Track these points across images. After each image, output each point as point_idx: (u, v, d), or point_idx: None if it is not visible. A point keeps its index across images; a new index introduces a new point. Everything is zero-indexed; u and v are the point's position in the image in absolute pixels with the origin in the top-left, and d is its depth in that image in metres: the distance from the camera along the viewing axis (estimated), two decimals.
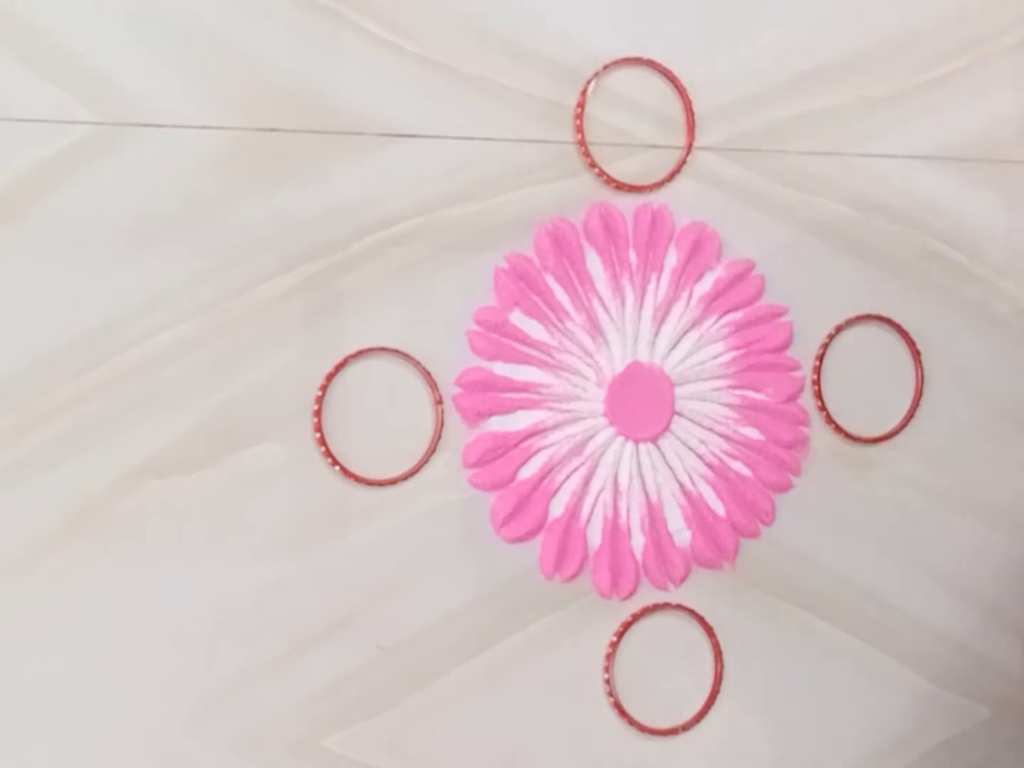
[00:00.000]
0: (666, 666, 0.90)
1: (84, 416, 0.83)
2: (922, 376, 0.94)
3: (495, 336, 0.89)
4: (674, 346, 0.91)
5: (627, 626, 0.89)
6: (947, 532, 0.94)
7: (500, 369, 0.89)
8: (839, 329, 0.93)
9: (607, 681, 0.89)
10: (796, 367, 0.93)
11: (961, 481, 0.94)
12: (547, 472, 0.89)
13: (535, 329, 0.89)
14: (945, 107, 0.95)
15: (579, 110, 0.90)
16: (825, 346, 0.93)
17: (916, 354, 0.94)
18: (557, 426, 0.89)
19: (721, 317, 0.92)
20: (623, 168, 0.91)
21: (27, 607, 0.82)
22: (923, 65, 0.95)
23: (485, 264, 0.89)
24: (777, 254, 0.93)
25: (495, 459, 0.88)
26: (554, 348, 0.89)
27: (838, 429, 0.92)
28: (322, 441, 0.86)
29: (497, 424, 0.89)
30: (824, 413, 0.92)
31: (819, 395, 0.93)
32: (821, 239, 0.93)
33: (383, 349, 0.87)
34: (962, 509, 0.94)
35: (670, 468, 0.91)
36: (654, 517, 0.90)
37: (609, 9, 0.91)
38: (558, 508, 0.89)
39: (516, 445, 0.89)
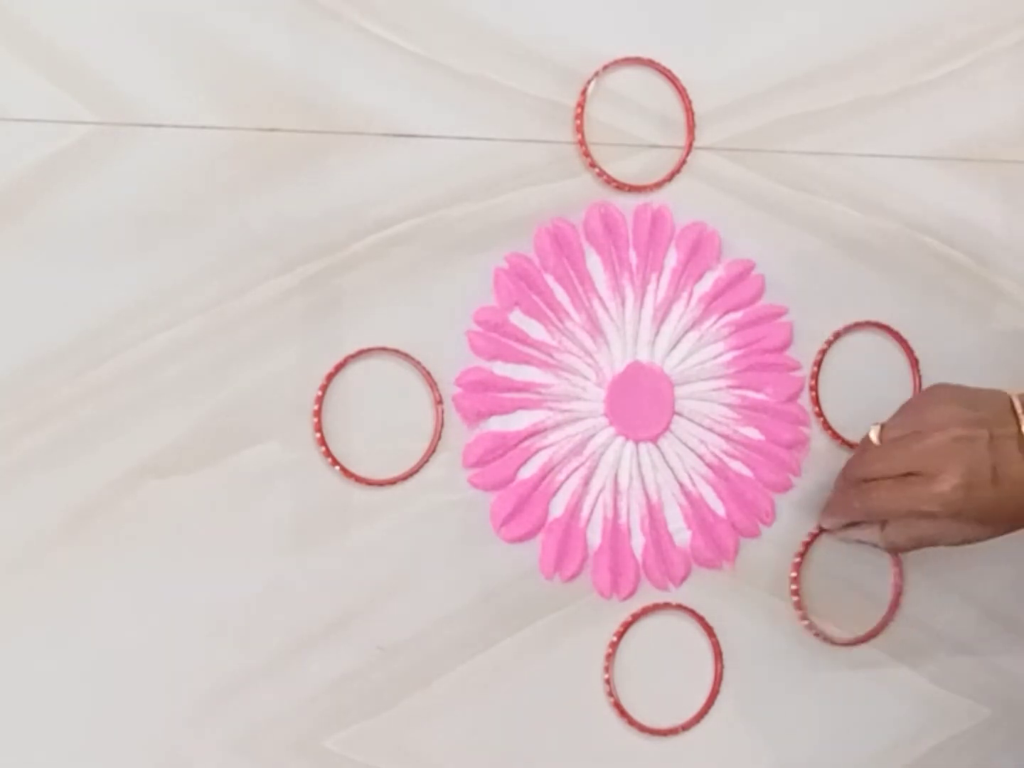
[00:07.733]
0: (666, 666, 0.90)
1: (84, 416, 0.83)
2: (919, 382, 0.94)
3: (495, 336, 0.89)
4: (674, 346, 0.91)
5: (627, 626, 0.89)
6: None
7: (500, 369, 0.89)
8: (837, 335, 0.93)
9: (607, 681, 0.89)
10: (796, 367, 0.93)
11: None
12: (547, 472, 0.89)
13: (535, 329, 0.89)
14: (945, 107, 0.95)
15: (579, 110, 0.90)
16: (823, 352, 0.93)
17: (914, 361, 0.94)
18: (557, 426, 0.89)
19: (721, 317, 0.92)
20: (623, 168, 0.90)
21: (27, 607, 0.82)
22: (923, 65, 0.95)
23: (485, 264, 0.89)
24: (777, 254, 0.93)
25: (495, 459, 0.88)
26: (554, 348, 0.89)
27: (835, 435, 0.92)
28: (322, 441, 0.86)
29: (497, 424, 0.88)
30: (821, 419, 0.92)
31: (816, 401, 0.93)
32: (821, 239, 0.93)
33: (383, 349, 0.87)
34: None
35: (670, 468, 0.91)
36: (654, 517, 0.90)
37: (609, 9, 0.91)
38: (558, 508, 0.89)
39: (516, 445, 0.89)
